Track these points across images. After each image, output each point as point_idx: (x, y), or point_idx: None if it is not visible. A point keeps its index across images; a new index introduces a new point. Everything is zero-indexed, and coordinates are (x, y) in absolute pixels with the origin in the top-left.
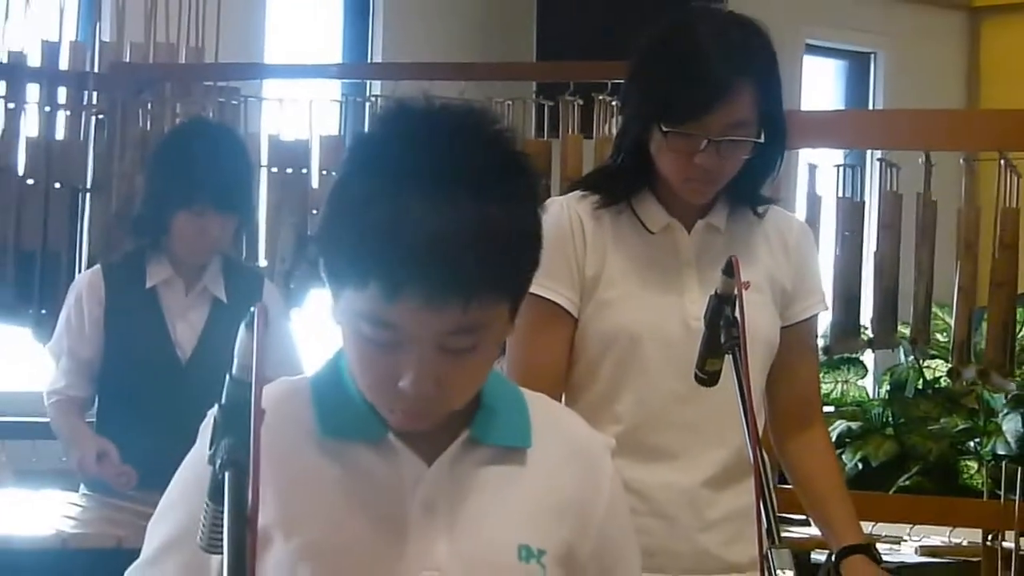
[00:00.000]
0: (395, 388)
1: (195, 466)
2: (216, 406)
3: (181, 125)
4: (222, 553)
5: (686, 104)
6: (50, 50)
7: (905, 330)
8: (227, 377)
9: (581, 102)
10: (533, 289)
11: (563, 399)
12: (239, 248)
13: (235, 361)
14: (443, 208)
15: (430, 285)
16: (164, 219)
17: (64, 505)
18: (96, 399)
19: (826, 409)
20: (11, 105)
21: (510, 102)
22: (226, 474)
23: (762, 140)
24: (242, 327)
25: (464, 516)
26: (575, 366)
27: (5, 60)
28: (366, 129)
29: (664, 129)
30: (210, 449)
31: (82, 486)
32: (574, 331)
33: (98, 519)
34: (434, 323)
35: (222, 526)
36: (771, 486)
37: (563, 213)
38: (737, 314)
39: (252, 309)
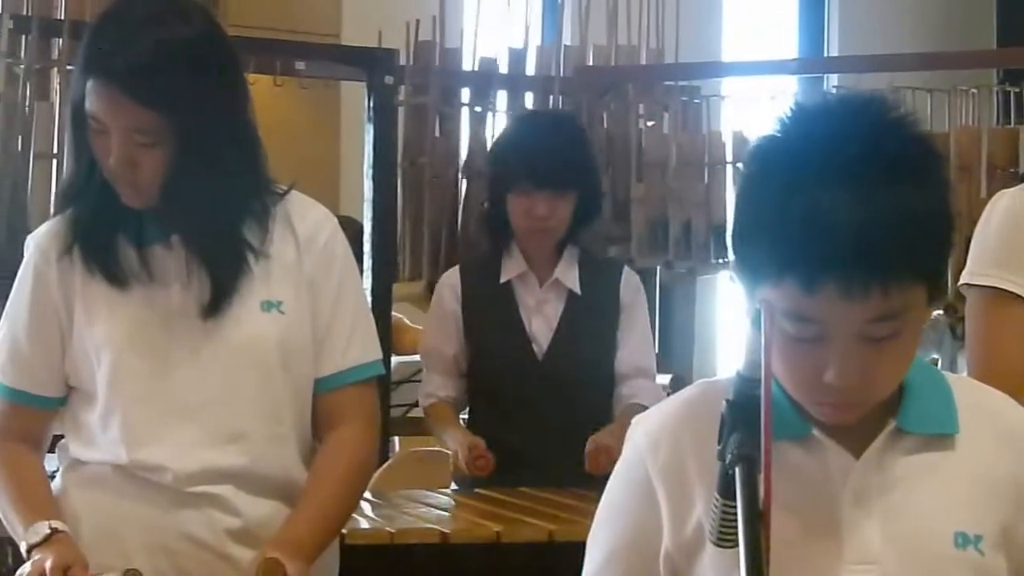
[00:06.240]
0: (820, 383)
1: (627, 474)
2: (724, 402)
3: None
4: (734, 548)
5: None
6: (516, 56)
7: None
8: (735, 374)
9: None
10: (990, 282)
11: None
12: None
13: (744, 358)
14: (856, 197)
15: (849, 274)
16: (500, 209)
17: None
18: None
19: None
20: (478, 109)
21: (974, 90)
22: (736, 469)
23: None
24: (749, 324)
25: (896, 507)
26: None
27: (477, 67)
28: (771, 130)
29: None
30: (719, 445)
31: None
32: None
33: (478, 514)
34: (855, 312)
35: (733, 521)
36: None
37: (1014, 204)
38: None
39: (757, 306)
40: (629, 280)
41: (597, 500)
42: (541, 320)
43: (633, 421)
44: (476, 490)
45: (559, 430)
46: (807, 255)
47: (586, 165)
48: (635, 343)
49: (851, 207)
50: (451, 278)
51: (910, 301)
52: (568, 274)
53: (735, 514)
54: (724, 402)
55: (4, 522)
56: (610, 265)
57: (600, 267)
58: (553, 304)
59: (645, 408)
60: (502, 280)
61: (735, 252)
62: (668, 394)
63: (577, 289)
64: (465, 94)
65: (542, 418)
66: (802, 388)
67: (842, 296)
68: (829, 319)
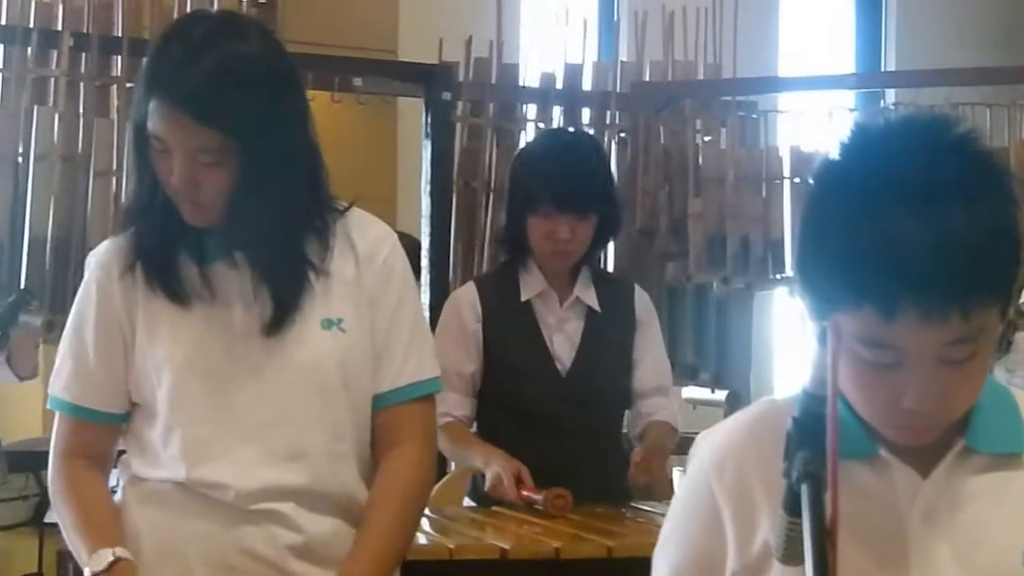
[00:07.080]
0: (896, 407)
1: (692, 492)
2: (790, 420)
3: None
4: (799, 565)
5: None
6: (572, 72)
7: None
8: (801, 391)
9: None
10: None
11: None
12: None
13: (810, 375)
14: (930, 221)
15: (928, 300)
16: (519, 228)
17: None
18: (477, 414)
19: None
20: (541, 125)
21: None
22: (803, 487)
23: None
24: (815, 341)
25: (965, 526)
26: None
27: (534, 83)
28: (834, 153)
29: None
30: (784, 462)
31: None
32: None
33: (537, 530)
34: (934, 337)
35: (799, 539)
36: None
37: None
38: None
39: (824, 324)
40: (643, 298)
41: (648, 515)
42: (563, 338)
43: (698, 437)
44: (535, 506)
45: (580, 446)
46: (885, 283)
47: (607, 187)
48: (653, 361)
49: (926, 232)
50: (468, 295)
51: (986, 322)
52: (587, 292)
53: (801, 531)
54: (790, 419)
55: (68, 542)
56: (622, 283)
57: (613, 285)
58: (574, 322)
59: (667, 424)
60: (523, 298)
61: (800, 276)
62: (726, 412)
63: (597, 307)
64: (522, 110)
65: (564, 434)
66: (877, 412)
67: (922, 322)
68: (908, 345)
